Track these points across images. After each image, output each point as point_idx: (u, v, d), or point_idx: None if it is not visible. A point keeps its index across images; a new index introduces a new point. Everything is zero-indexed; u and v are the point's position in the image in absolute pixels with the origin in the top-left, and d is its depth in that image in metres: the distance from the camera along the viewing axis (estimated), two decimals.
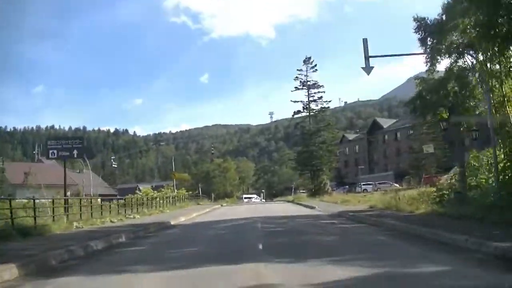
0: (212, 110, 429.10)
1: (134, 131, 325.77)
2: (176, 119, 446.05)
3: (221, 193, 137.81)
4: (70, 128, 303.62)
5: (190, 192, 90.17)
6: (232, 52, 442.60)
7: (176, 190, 73.92)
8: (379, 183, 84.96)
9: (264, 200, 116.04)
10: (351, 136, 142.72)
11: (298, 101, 77.74)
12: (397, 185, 77.21)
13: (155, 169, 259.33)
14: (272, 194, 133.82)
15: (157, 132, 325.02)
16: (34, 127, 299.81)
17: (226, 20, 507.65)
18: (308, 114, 77.74)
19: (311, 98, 76.65)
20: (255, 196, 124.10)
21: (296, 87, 77.72)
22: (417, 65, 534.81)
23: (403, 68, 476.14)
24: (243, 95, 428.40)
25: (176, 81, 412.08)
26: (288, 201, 74.57)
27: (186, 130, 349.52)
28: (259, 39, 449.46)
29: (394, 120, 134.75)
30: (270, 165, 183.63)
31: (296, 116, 79.11)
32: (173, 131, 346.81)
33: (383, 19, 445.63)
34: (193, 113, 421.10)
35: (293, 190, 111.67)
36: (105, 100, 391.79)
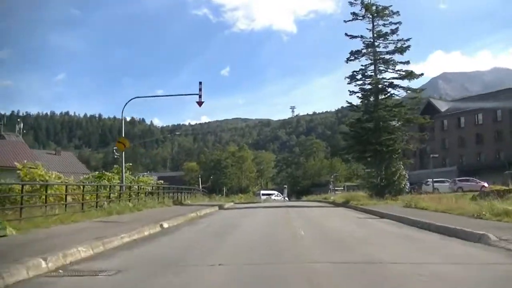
0: (233, 103, 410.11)
1: (151, 121, 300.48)
2: (196, 112, 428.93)
3: (234, 187, 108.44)
4: (85, 115, 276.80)
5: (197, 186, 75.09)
6: (253, 46, 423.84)
7: (139, 176, 42.79)
8: (459, 181, 59.80)
9: (287, 199, 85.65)
10: None
11: (356, 36, 44.40)
12: (485, 183, 54.84)
13: (169, 159, 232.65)
14: (296, 191, 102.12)
15: (175, 124, 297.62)
16: (49, 113, 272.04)
17: (247, 14, 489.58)
18: (373, 58, 43.81)
19: (377, 32, 43.92)
20: (275, 193, 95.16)
21: (353, 14, 44.46)
22: (442, 65, 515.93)
23: (426, 67, 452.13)
24: (264, 89, 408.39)
25: (197, 73, 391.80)
26: (330, 203, 47.40)
27: (205, 122, 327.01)
28: (281, 34, 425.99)
29: (452, 103, 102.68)
30: (294, 155, 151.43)
31: (352, 61, 44.90)
32: (192, 123, 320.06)
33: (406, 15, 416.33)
34: (214, 106, 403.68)
35: (331, 186, 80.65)
36: (126, 90, 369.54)
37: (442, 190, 55.72)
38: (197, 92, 31.60)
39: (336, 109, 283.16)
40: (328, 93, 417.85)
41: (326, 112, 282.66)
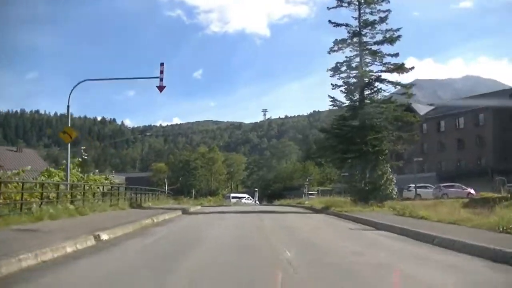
0: (205, 106, 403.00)
1: (122, 121, 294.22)
2: (168, 114, 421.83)
3: (204, 189, 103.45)
4: (56, 113, 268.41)
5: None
6: (226, 49, 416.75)
7: (88, 174, 36.72)
8: (445, 187, 55.74)
9: (258, 203, 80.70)
10: None
11: (341, 25, 38.80)
12: (471, 190, 53.23)
13: (139, 160, 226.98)
14: (267, 194, 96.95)
15: (147, 125, 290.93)
16: (19, 111, 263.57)
17: (221, 17, 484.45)
18: (359, 49, 38.50)
19: (364, 20, 38.82)
20: (246, 196, 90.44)
21: (338, 0, 39.32)
22: (414, 72, 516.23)
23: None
24: (236, 92, 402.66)
25: (169, 75, 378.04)
26: (307, 208, 42.59)
27: (176, 124, 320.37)
28: (254, 38, 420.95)
29: (432, 107, 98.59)
30: (266, 157, 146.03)
31: (335, 51, 39.15)
32: (164, 124, 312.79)
33: None
34: (185, 108, 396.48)
35: (305, 190, 75.83)
36: (96, 90, 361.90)
37: (425, 196, 52.17)
38: (158, 76, 26.29)
39: (308, 113, 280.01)
40: (300, 97, 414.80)
41: (298, 116, 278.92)
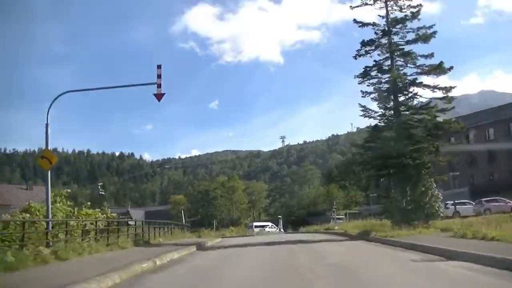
0: (222, 136, 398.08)
1: (140, 155, 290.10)
2: (186, 145, 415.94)
3: (225, 219, 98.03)
4: (73, 150, 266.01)
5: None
6: (241, 78, 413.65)
7: (79, 208, 30.61)
8: (486, 201, 50.70)
9: (282, 231, 75.30)
10: None
11: (366, 24, 33.34)
12: None
13: (158, 193, 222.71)
14: (291, 221, 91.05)
15: (165, 158, 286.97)
16: (36, 150, 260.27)
17: (234, 47, 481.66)
18: (388, 50, 34.54)
19: (393, 18, 33.38)
20: (269, 224, 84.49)
21: None
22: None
23: None
24: (253, 120, 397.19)
25: (186, 107, 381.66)
26: (341, 235, 37.15)
27: (195, 155, 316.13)
28: (268, 65, 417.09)
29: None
30: (287, 184, 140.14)
31: (362, 55, 33.61)
32: (182, 156, 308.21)
33: None
34: (203, 139, 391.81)
35: (333, 214, 70.45)
36: (115, 125, 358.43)
37: (465, 213, 46.55)
38: (155, 81, 21.37)
39: (327, 137, 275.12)
40: (318, 122, 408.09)
41: (317, 141, 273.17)
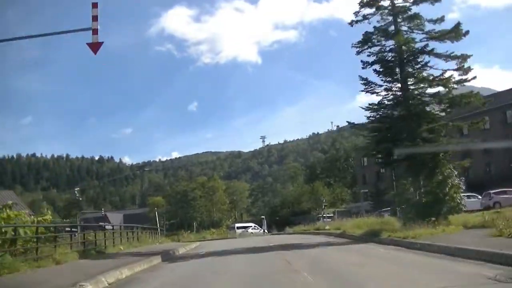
0: (202, 138, 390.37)
1: (120, 158, 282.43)
2: (166, 148, 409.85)
3: (206, 221, 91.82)
4: (52, 155, 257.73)
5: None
6: (219, 80, 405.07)
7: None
8: (495, 194, 44.86)
9: (267, 232, 69.36)
10: None
11: None
12: None
13: (138, 196, 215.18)
14: (275, 222, 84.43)
15: (146, 161, 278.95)
16: (15, 155, 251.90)
17: (212, 48, 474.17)
18: (392, 12, 25.52)
19: None
20: (252, 225, 79.11)
21: None
22: None
23: None
24: (233, 122, 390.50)
25: (165, 110, 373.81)
26: (339, 236, 32.17)
27: (176, 158, 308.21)
28: (246, 66, 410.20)
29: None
30: (269, 183, 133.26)
31: (359, 20, 27.34)
32: (163, 159, 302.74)
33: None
34: (183, 141, 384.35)
35: (323, 213, 64.72)
36: (93, 130, 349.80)
37: (471, 206, 40.47)
38: (90, 26, 14.85)
39: (308, 135, 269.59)
40: (298, 121, 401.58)
41: (297, 139, 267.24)
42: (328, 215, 69.47)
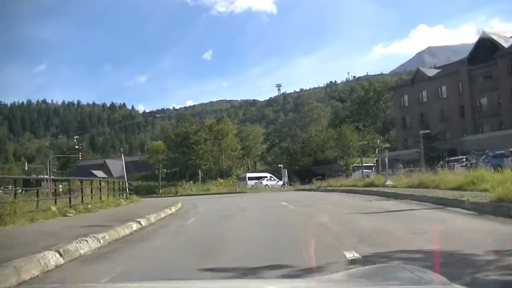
0: (217, 86, 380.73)
1: (132, 105, 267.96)
2: (181, 97, 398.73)
3: (213, 170, 75.37)
4: (63, 102, 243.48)
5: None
6: (234, 29, 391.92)
7: None
8: None
9: (286, 185, 52.18)
10: (428, 71, 74.65)
11: None
12: None
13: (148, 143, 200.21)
14: (295, 171, 66.20)
15: (160, 109, 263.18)
16: (25, 102, 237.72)
17: None
18: None
19: None
20: (267, 175, 63.81)
21: None
22: (427, 39, 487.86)
23: (410, 42, 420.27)
24: (248, 71, 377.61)
25: (179, 58, 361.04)
26: (431, 201, 15.37)
27: (190, 106, 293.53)
28: (261, 15, 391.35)
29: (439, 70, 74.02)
30: (289, 125, 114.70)
31: None
32: (177, 107, 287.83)
33: None
34: (198, 90, 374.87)
35: (377, 158, 47.98)
36: (107, 78, 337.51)
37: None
38: None
39: (325, 84, 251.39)
40: (314, 71, 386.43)
41: (314, 88, 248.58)
42: (367, 165, 52.50)
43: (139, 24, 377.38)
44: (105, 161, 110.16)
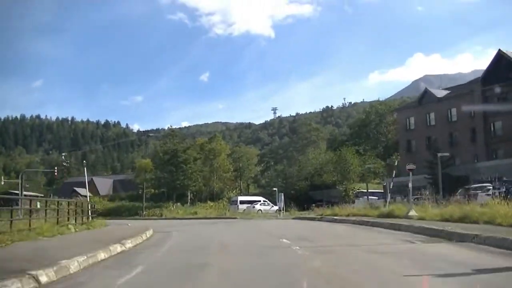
0: (213, 108, 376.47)
1: (127, 124, 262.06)
2: (176, 117, 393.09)
3: (204, 191, 69.32)
4: (57, 118, 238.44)
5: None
6: (232, 51, 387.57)
7: None
8: None
9: (281, 211, 45.77)
10: (437, 92, 68.85)
11: None
12: None
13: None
14: (290, 196, 59.60)
15: (155, 128, 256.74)
16: (18, 116, 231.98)
17: (224, 19, 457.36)
18: None
19: None
20: (261, 199, 58.06)
21: None
22: (422, 68, 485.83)
23: (406, 70, 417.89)
24: (245, 94, 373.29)
25: (176, 79, 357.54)
26: None
27: (185, 126, 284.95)
28: (259, 39, 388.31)
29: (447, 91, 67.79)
30: (286, 147, 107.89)
31: None
32: (172, 128, 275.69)
33: (384, 19, 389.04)
34: (194, 111, 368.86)
35: (390, 182, 41.85)
36: (103, 96, 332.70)
37: None
38: None
39: (321, 109, 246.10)
40: (311, 96, 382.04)
41: (310, 113, 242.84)
42: (374, 191, 46.66)
43: (137, 44, 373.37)
44: (92, 179, 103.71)
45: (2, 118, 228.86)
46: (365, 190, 44.03)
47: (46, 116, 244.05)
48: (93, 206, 34.66)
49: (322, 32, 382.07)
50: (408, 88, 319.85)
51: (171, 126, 75.19)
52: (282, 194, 45.57)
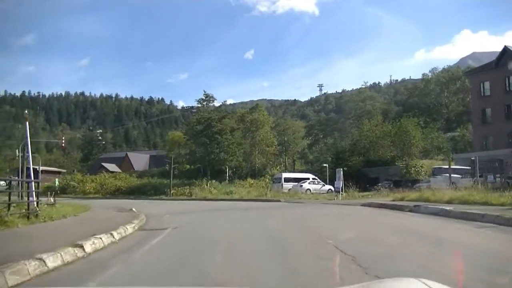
0: (258, 86, 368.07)
1: (171, 100, 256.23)
2: (221, 95, 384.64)
3: (244, 168, 59.72)
4: (101, 95, 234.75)
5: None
6: (276, 29, 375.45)
7: None
8: None
9: (338, 191, 35.08)
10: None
11: None
12: None
13: None
14: (344, 173, 48.71)
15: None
16: (63, 93, 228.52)
17: None
18: None
19: None
20: (310, 177, 48.21)
21: None
22: (470, 45, 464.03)
23: (453, 48, 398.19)
24: (289, 71, 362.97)
25: (220, 56, 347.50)
26: None
27: (230, 104, 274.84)
28: (304, 16, 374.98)
29: None
30: (338, 117, 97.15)
31: None
32: (217, 105, 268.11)
33: None
34: (239, 89, 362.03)
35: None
36: (148, 73, 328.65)
37: None
38: None
39: (370, 84, 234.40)
40: (356, 74, 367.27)
41: (357, 89, 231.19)
42: (444, 167, 36.46)
43: (181, 22, 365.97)
44: (126, 154, 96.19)
45: (47, 95, 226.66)
46: (446, 167, 33.80)
47: (90, 93, 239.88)
48: (37, 186, 22.08)
49: (367, 9, 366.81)
50: (456, 65, 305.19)
51: (215, 104, 63.72)
52: (341, 170, 35.14)
